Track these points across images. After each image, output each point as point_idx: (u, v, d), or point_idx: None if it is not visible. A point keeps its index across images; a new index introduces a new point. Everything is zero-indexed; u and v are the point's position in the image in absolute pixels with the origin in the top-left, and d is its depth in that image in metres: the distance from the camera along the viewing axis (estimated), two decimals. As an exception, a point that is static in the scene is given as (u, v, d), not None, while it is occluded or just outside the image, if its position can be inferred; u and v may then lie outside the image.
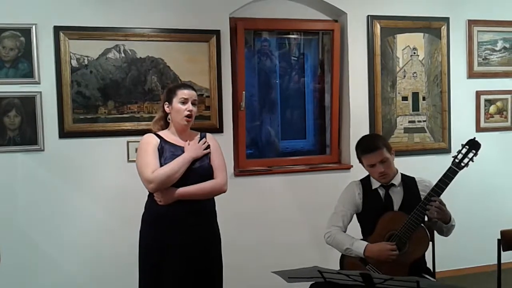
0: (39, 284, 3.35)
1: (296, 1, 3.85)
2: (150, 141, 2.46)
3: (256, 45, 4.06)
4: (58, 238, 3.38)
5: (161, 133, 2.53)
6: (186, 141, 2.51)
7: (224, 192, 2.51)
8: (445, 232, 2.58)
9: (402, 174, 2.68)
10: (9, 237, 3.22)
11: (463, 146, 2.43)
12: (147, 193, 2.49)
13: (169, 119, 2.53)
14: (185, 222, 2.42)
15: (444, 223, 2.51)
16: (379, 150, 2.55)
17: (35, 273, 3.34)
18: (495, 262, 2.65)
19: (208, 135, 2.62)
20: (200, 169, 2.45)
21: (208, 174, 2.48)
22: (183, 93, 2.48)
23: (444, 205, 2.44)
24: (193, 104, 2.49)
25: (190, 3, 3.55)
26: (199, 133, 2.61)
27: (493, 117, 4.26)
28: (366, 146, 2.61)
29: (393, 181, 2.62)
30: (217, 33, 3.58)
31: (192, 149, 2.46)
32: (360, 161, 2.67)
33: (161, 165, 2.38)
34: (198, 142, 2.52)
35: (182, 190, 2.38)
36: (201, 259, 2.46)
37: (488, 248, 3.10)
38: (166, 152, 2.44)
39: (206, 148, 2.52)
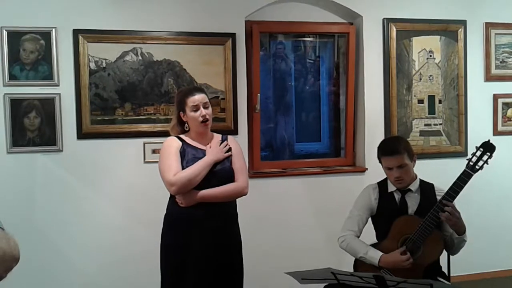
0: (57, 284, 3.41)
1: (312, 4, 3.87)
2: (172, 144, 2.49)
3: (272, 48, 4.08)
4: (75, 238, 3.43)
5: (183, 136, 2.55)
6: (208, 144, 2.53)
7: (245, 194, 2.53)
8: (455, 246, 2.53)
9: (420, 180, 2.65)
10: (27, 236, 3.27)
11: (478, 148, 2.41)
12: (165, 193, 2.52)
13: (186, 127, 2.55)
14: (206, 225, 2.43)
15: (457, 234, 2.47)
16: (399, 155, 2.52)
17: (52, 272, 3.40)
18: (511, 267, 2.62)
19: (229, 137, 2.64)
20: (221, 172, 2.47)
21: (229, 177, 2.49)
22: (192, 100, 2.48)
23: (458, 212, 2.41)
24: (205, 107, 2.50)
25: (206, 6, 3.58)
26: (220, 136, 2.63)
27: (510, 120, 4.21)
28: (387, 148, 2.58)
29: (410, 187, 2.60)
30: (232, 36, 3.61)
31: (213, 152, 2.48)
32: (380, 161, 2.66)
33: (183, 168, 2.41)
34: (220, 145, 2.53)
35: (203, 192, 2.40)
36: (222, 261, 2.47)
37: (504, 252, 3.07)
38: (188, 155, 2.46)
39: (227, 151, 2.53)
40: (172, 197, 2.51)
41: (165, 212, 2.57)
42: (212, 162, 2.44)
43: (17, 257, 1.49)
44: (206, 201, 2.41)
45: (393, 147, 2.56)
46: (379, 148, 2.66)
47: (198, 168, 2.39)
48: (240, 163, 2.56)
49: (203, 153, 2.48)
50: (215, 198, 2.43)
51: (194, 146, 2.51)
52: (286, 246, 3.78)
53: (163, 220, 2.56)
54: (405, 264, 2.39)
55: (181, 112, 2.54)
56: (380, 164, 2.69)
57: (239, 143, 2.66)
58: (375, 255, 2.46)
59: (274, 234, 3.77)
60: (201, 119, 2.47)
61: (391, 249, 2.47)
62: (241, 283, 2.58)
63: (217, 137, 2.61)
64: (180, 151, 2.46)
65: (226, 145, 2.55)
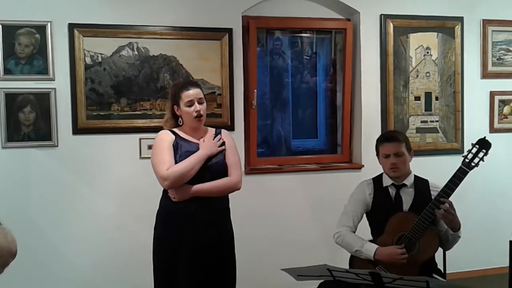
0: (51, 279, 3.39)
1: (309, 0, 3.85)
2: (165, 138, 2.46)
3: (269, 43, 4.07)
4: (70, 233, 3.41)
5: (176, 130, 2.53)
6: (201, 138, 2.51)
7: (239, 189, 2.52)
8: (449, 242, 2.54)
9: (415, 175, 2.67)
10: (22, 231, 3.23)
11: (473, 145, 2.40)
12: (160, 189, 2.51)
13: (180, 121, 2.53)
14: (199, 219, 2.42)
15: (452, 230, 2.48)
16: (398, 143, 2.59)
17: (46, 266, 3.38)
18: (507, 264, 2.63)
19: (223, 131, 2.62)
20: (214, 166, 2.46)
21: (222, 171, 2.48)
22: (187, 95, 2.45)
23: (454, 209, 2.42)
24: (200, 103, 2.47)
25: (203, 1, 3.56)
26: (214, 130, 2.61)
27: (507, 118, 4.21)
28: (387, 135, 2.71)
29: (405, 181, 2.62)
30: (229, 31, 3.59)
31: (207, 146, 2.46)
32: (377, 153, 2.68)
33: (176, 162, 2.39)
34: (213, 139, 2.52)
35: (196, 187, 2.39)
36: (214, 257, 2.46)
37: (499, 250, 3.08)
38: (181, 149, 2.44)
39: (221, 145, 2.52)
40: (165, 192, 2.49)
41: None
42: (205, 156, 2.42)
43: (14, 252, 1.48)
44: (199, 196, 2.40)
45: (393, 135, 2.68)
46: (378, 138, 2.73)
47: (191, 162, 2.37)
48: (234, 157, 2.54)
49: (196, 147, 2.46)
50: (208, 193, 2.42)
51: (187, 140, 2.49)
52: (282, 242, 3.77)
53: (156, 215, 2.54)
54: (400, 257, 2.40)
55: (175, 106, 2.52)
56: (376, 161, 2.71)
57: (233, 138, 2.64)
58: (370, 248, 2.47)
59: (270, 230, 3.76)
60: (195, 114, 2.45)
61: (386, 246, 2.48)
62: (234, 278, 2.58)
63: (211, 131, 2.59)
64: (173, 145, 2.44)
65: (219, 139, 2.53)
